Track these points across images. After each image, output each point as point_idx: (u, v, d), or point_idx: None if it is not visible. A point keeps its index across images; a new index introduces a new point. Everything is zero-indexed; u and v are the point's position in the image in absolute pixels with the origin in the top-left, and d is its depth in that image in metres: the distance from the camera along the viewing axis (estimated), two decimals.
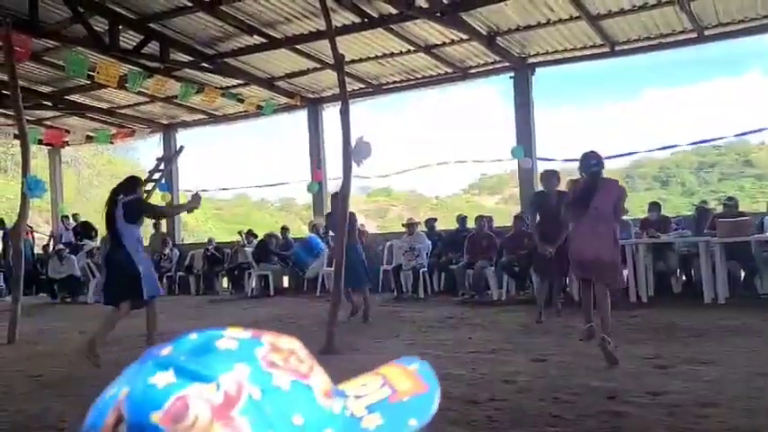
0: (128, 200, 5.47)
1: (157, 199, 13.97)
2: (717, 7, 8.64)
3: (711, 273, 7.64)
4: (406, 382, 0.55)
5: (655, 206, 9.20)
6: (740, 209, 8.61)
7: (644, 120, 39.60)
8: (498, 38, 9.62)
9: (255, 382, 0.47)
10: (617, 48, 9.91)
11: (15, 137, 11.38)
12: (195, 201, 5.82)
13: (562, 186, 6.57)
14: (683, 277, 8.78)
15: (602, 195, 5.00)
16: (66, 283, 12.00)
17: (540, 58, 10.54)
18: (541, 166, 11.03)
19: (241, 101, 11.85)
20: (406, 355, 0.60)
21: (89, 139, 14.54)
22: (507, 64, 10.54)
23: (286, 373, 0.49)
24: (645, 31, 9.45)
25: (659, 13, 8.79)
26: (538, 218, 6.91)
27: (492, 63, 10.73)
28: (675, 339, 5.50)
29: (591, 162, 5.12)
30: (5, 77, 8.43)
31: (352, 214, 8.26)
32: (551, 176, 6.99)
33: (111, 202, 5.49)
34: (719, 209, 8.89)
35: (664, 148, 11.59)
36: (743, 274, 8.30)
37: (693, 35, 9.38)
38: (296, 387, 0.49)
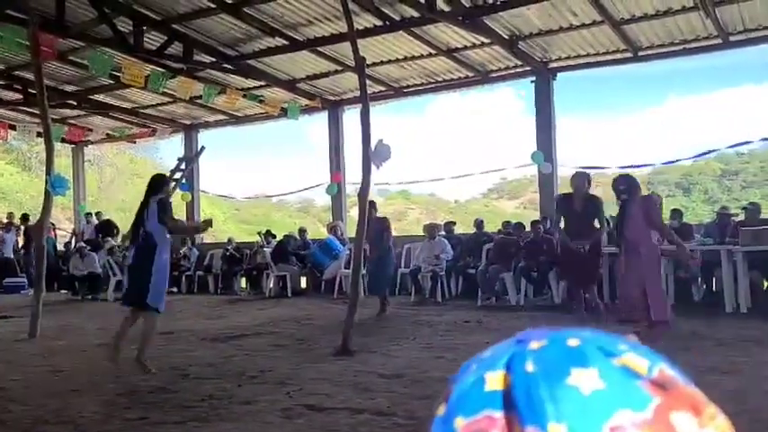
0: (159, 198, 5.18)
1: (178, 199, 14.11)
2: (742, 13, 8.53)
3: (733, 281, 7.53)
4: None
5: (676, 213, 9.08)
6: (763, 217, 8.49)
7: (667, 127, 39.19)
8: (520, 42, 9.58)
9: None
10: (640, 53, 9.82)
11: (38, 135, 11.54)
12: (207, 224, 6.33)
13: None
14: (704, 285, 8.66)
15: (630, 222, 4.99)
16: (87, 280, 12.14)
17: (562, 63, 10.47)
18: (562, 172, 10.96)
19: (262, 102, 11.92)
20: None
21: (110, 137, 14.76)
22: (529, 68, 10.49)
23: None
24: (669, 37, 9.36)
25: (684, 18, 8.70)
26: (562, 221, 6.87)
27: (513, 67, 10.69)
28: (696, 348, 5.41)
29: (619, 189, 5.11)
30: (32, 76, 8.58)
31: (386, 219, 8.55)
32: (581, 178, 6.91)
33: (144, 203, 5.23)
34: (742, 216, 8.77)
35: (702, 153, 11.28)
36: (766, 283, 8.16)
37: (718, 41, 9.26)
38: None
